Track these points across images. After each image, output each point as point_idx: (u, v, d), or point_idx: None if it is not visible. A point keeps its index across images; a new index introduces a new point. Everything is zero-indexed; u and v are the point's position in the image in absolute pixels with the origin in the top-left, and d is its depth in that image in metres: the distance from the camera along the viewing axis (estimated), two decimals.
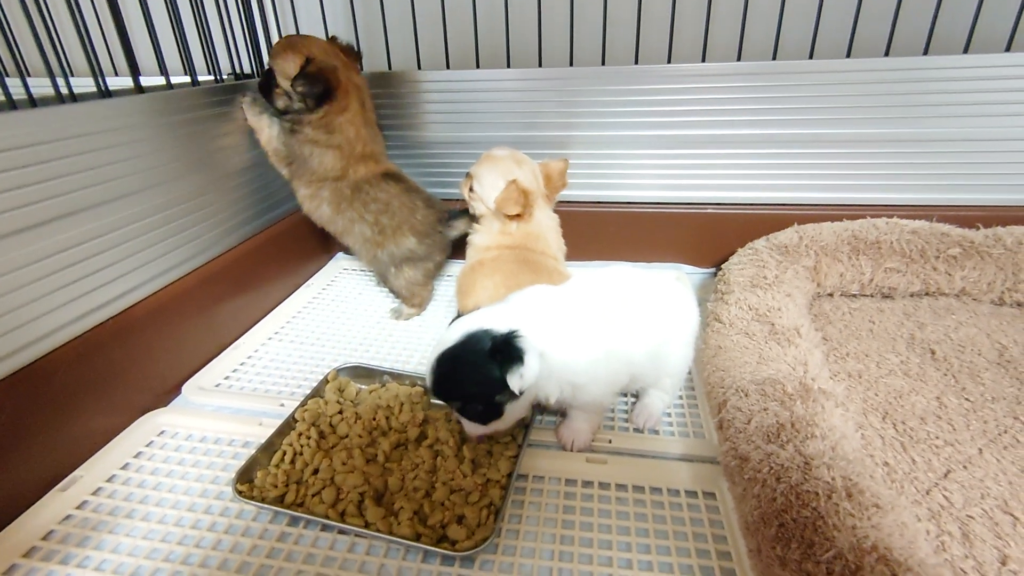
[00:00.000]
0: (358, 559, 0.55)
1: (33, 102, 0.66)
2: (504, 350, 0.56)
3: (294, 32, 1.18)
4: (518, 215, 0.86)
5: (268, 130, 0.97)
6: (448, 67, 1.15)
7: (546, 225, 0.92)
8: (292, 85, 0.86)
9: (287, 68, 0.87)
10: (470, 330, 0.59)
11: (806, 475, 0.51)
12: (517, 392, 0.56)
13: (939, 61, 0.96)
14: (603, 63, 1.11)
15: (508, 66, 1.13)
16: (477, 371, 0.57)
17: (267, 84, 0.91)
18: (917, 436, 0.67)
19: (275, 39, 1.13)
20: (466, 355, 0.58)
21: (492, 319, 0.59)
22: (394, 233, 0.95)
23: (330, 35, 0.95)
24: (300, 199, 0.99)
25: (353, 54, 0.95)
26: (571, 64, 1.12)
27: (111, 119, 0.73)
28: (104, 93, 0.75)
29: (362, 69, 0.98)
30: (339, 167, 0.94)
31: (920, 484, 0.60)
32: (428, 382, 0.60)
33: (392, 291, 0.98)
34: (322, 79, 0.87)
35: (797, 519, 0.47)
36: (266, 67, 0.92)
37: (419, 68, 1.17)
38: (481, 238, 0.91)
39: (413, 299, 0.99)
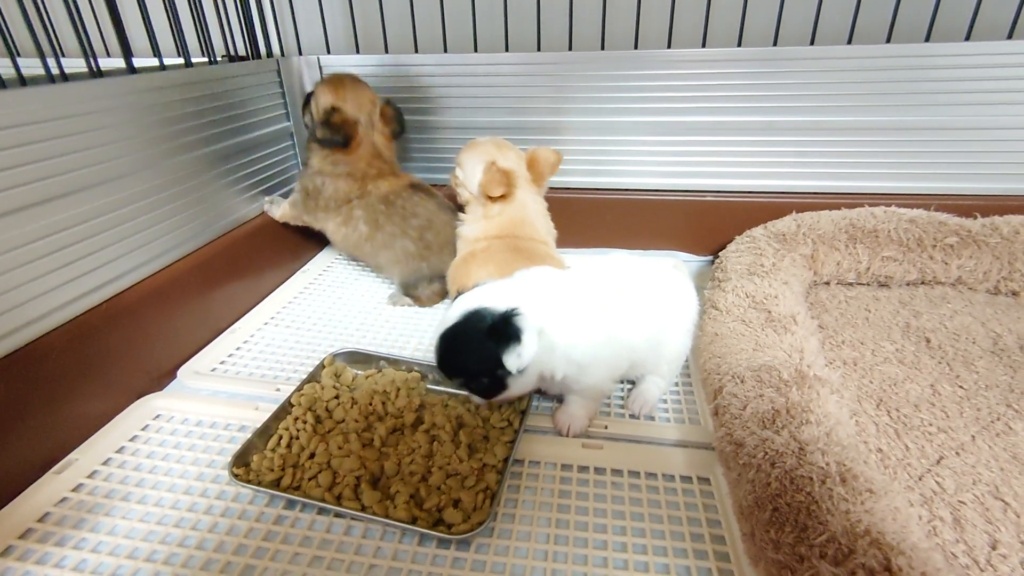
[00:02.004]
0: (354, 542, 0.56)
1: (22, 81, 0.65)
2: (502, 329, 0.57)
3: (289, 13, 1.17)
4: (502, 196, 0.86)
5: (285, 207, 1.04)
6: (445, 51, 1.14)
7: (533, 209, 0.91)
8: (316, 124, 0.93)
9: (321, 101, 0.93)
10: (471, 308, 0.60)
11: (801, 460, 0.51)
12: (514, 372, 0.57)
13: (941, 48, 0.95)
14: (602, 48, 1.10)
15: (506, 50, 1.12)
16: (477, 349, 0.58)
17: (307, 101, 0.98)
18: (911, 423, 0.67)
19: (270, 20, 1.12)
20: (467, 334, 0.59)
21: (494, 297, 0.60)
22: (440, 250, 0.96)
23: (387, 99, 0.99)
24: (333, 233, 1.00)
25: (393, 120, 0.99)
26: (570, 49, 1.10)
27: (102, 99, 0.72)
28: (95, 74, 0.74)
29: (402, 133, 1.02)
30: (356, 188, 0.96)
31: (913, 470, 0.60)
32: (435, 357, 0.62)
33: (411, 297, 0.98)
34: (341, 132, 0.92)
35: (791, 503, 0.48)
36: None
37: (416, 51, 1.15)
38: (470, 229, 0.90)
39: (427, 303, 0.99)
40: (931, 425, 0.67)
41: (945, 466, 0.61)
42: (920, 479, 0.59)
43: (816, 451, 0.51)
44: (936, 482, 0.59)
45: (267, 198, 1.05)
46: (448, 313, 0.62)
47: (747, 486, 0.52)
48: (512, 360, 0.56)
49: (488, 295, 0.61)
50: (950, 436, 0.65)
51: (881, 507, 0.47)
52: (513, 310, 0.58)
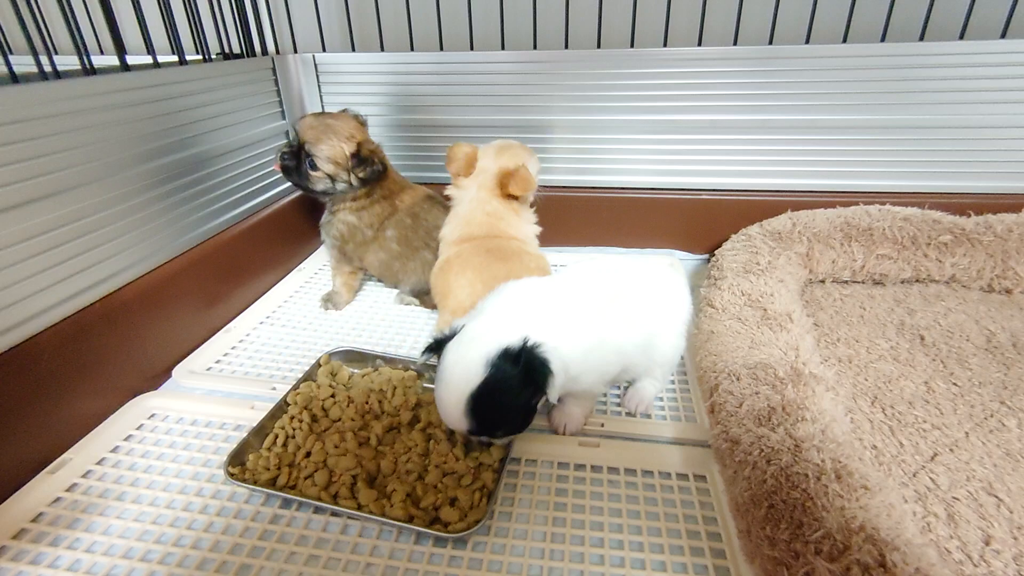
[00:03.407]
0: (351, 541, 0.56)
1: (14, 78, 0.64)
2: (537, 368, 0.54)
3: (284, 11, 1.16)
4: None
5: (338, 268, 0.99)
6: (441, 49, 1.14)
7: (500, 208, 0.87)
8: (353, 170, 0.89)
9: (335, 153, 0.87)
10: (489, 355, 0.54)
11: (796, 457, 0.51)
12: (555, 401, 0.56)
13: (935, 47, 0.96)
14: (598, 46, 1.10)
15: (502, 48, 1.12)
16: (516, 398, 0.56)
17: (300, 167, 0.89)
18: (905, 420, 0.67)
19: (265, 18, 1.11)
20: (501, 386, 0.54)
21: (499, 332, 0.56)
22: None
23: (342, 108, 0.95)
24: (371, 262, 0.97)
25: (361, 121, 0.95)
26: (566, 47, 1.10)
27: (95, 96, 0.71)
28: (88, 71, 0.73)
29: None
30: (388, 207, 0.95)
31: (907, 467, 0.61)
32: (461, 422, 0.56)
33: (419, 299, 0.98)
34: (377, 159, 0.90)
35: (787, 500, 0.48)
36: (293, 150, 0.89)
37: (412, 49, 1.15)
38: (448, 229, 0.88)
39: (430, 306, 0.98)
40: (925, 422, 0.67)
41: (939, 463, 0.61)
42: (914, 475, 0.60)
43: (811, 448, 0.52)
44: (930, 479, 0.59)
45: (321, 304, 1.00)
46: (457, 366, 0.55)
47: (743, 483, 0.52)
48: (554, 392, 0.54)
49: (490, 331, 0.57)
50: (944, 433, 0.65)
51: (876, 503, 0.47)
52: (535, 344, 0.55)
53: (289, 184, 1.13)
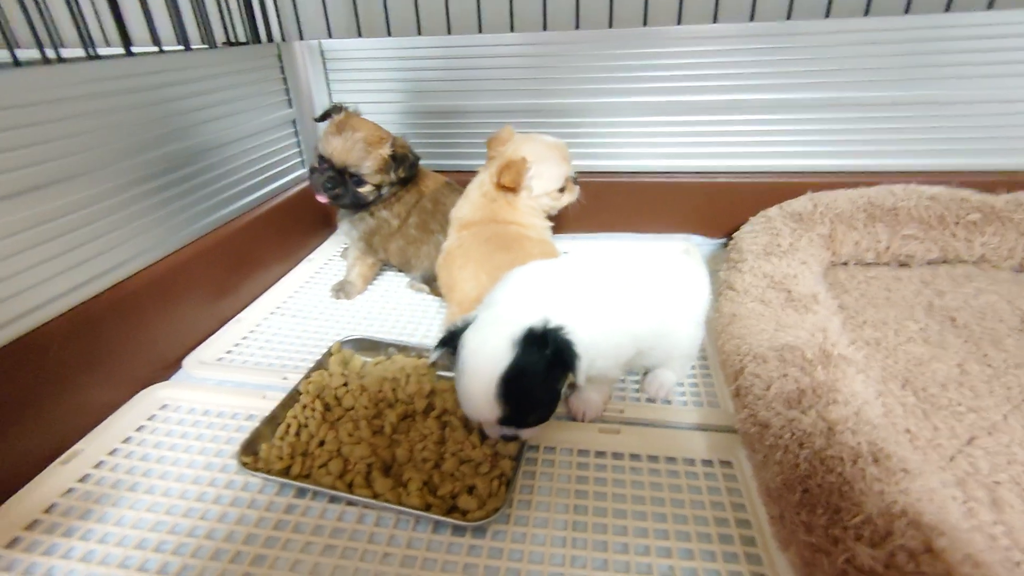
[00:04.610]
0: (367, 530, 0.54)
1: (17, 63, 0.63)
2: (564, 349, 0.52)
3: (290, 1, 1.14)
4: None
5: (356, 270, 0.98)
6: (449, 32, 1.11)
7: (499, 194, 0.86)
8: (396, 172, 0.88)
9: (377, 164, 0.87)
10: (514, 337, 0.52)
11: (830, 440, 0.49)
12: (582, 383, 0.53)
13: (962, 18, 0.92)
14: (610, 26, 1.07)
15: (511, 30, 1.09)
16: (546, 380, 0.53)
17: (347, 189, 0.87)
18: (939, 403, 0.65)
19: (269, 3, 1.09)
20: (531, 368, 0.52)
21: (518, 315, 0.54)
22: None
23: (331, 104, 0.91)
24: (392, 251, 0.96)
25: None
26: (577, 27, 1.07)
27: (100, 82, 0.70)
28: (92, 57, 0.72)
29: None
30: (415, 194, 0.94)
31: (944, 451, 0.58)
32: (491, 410, 0.52)
33: (429, 287, 0.96)
34: (411, 153, 0.89)
35: (822, 485, 0.46)
36: (333, 176, 0.86)
37: (419, 33, 1.13)
38: (455, 209, 0.88)
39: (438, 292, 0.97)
40: (960, 405, 0.64)
41: (977, 446, 0.58)
42: (952, 459, 0.57)
43: (846, 431, 0.49)
44: (969, 462, 0.57)
45: (331, 293, 0.98)
46: (480, 355, 0.53)
47: (774, 468, 0.50)
48: (582, 376, 0.52)
49: (510, 317, 0.54)
50: (980, 416, 0.63)
51: (917, 487, 0.44)
52: (557, 327, 0.53)
53: (297, 174, 1.11)
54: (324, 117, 0.90)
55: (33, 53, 0.66)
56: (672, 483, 0.59)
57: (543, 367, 0.52)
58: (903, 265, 0.97)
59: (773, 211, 0.98)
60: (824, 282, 0.87)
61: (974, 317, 0.80)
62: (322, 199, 0.89)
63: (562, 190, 0.88)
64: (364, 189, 0.88)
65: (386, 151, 0.87)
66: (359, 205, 0.90)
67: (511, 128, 0.89)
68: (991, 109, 0.96)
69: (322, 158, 0.87)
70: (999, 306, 0.82)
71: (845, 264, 0.98)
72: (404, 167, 0.89)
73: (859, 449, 0.47)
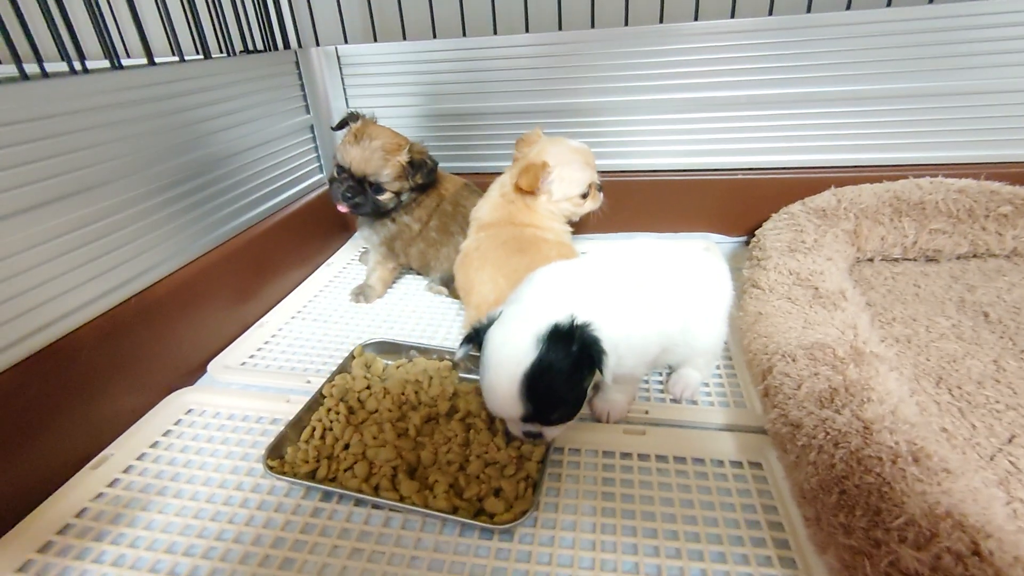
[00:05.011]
0: (394, 533, 0.54)
1: (45, 73, 0.64)
2: (591, 346, 0.51)
3: (305, 2, 1.15)
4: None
5: (376, 274, 0.98)
6: (464, 34, 1.12)
7: (517, 196, 0.86)
8: (412, 179, 0.88)
9: (396, 171, 0.87)
10: (540, 333, 0.51)
11: (867, 440, 0.48)
12: (610, 381, 0.53)
13: (987, 6, 0.90)
14: (626, 24, 1.06)
15: (527, 31, 1.09)
16: (572, 377, 0.52)
17: (367, 198, 0.88)
18: (975, 401, 0.63)
19: (286, 11, 1.10)
20: (557, 363, 0.51)
21: (544, 311, 0.53)
22: None
23: (348, 112, 0.91)
24: (412, 254, 0.97)
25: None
26: (592, 26, 1.07)
27: (123, 92, 0.71)
28: (116, 67, 0.73)
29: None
30: (435, 198, 0.95)
31: (983, 450, 0.56)
32: (515, 407, 0.52)
33: (448, 289, 0.97)
34: (429, 159, 0.89)
35: (860, 485, 0.44)
36: (352, 185, 0.87)
37: (434, 37, 1.13)
38: (475, 209, 0.89)
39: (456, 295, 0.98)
40: (998, 402, 0.62)
41: (1018, 445, 0.57)
42: (992, 459, 0.55)
43: (883, 430, 0.48)
44: (1009, 461, 0.55)
45: (351, 297, 0.98)
46: (504, 351, 0.52)
47: (808, 468, 0.49)
48: (609, 373, 0.51)
49: (535, 311, 0.54)
50: (1020, 413, 0.61)
51: (960, 488, 0.43)
52: (584, 324, 0.52)
53: (315, 179, 1.12)
54: (341, 125, 0.90)
55: (60, 66, 0.67)
56: (701, 485, 0.58)
57: (569, 364, 0.51)
58: (931, 260, 0.94)
59: (796, 207, 0.97)
60: (850, 279, 0.85)
61: (1008, 312, 0.78)
62: (343, 209, 0.89)
63: (585, 196, 0.87)
64: (384, 197, 0.88)
65: (404, 158, 0.87)
66: (379, 213, 0.91)
67: (540, 130, 0.89)
68: (1020, 99, 0.94)
69: (341, 168, 0.87)
70: None
71: (871, 260, 0.96)
72: (422, 173, 0.89)
73: (898, 448, 0.46)
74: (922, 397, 0.64)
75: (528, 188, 0.82)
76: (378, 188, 0.87)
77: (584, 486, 0.59)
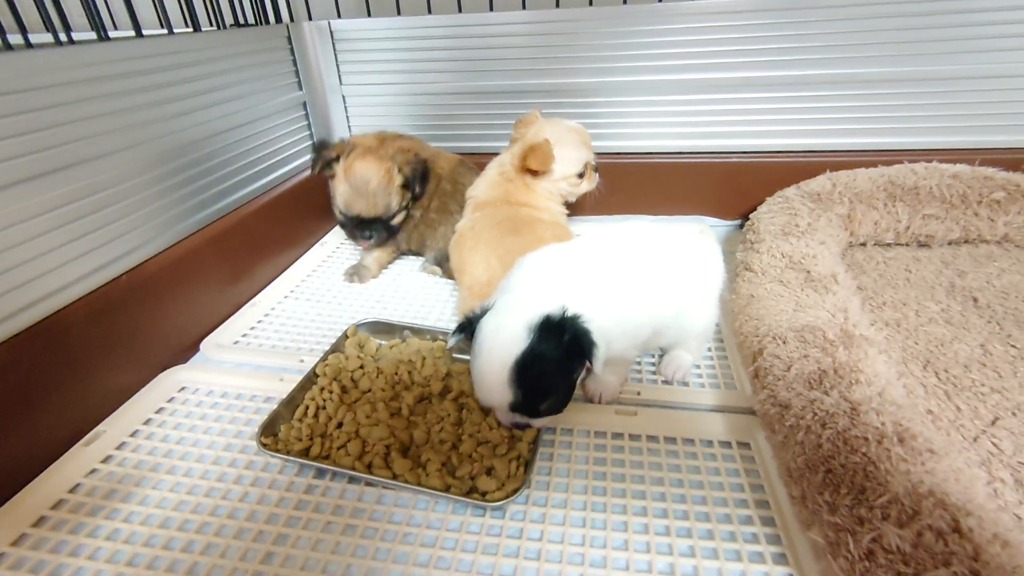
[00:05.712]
0: (386, 510, 0.55)
1: (28, 44, 0.62)
2: (582, 338, 0.52)
3: None
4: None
5: (381, 246, 0.98)
6: (460, 10, 1.10)
7: (516, 176, 0.86)
8: (413, 190, 0.91)
9: (399, 198, 0.90)
10: (531, 323, 0.51)
11: (853, 421, 0.48)
12: (599, 372, 0.53)
13: None
14: (624, 2, 1.04)
15: (523, 8, 1.07)
16: (561, 367, 0.53)
17: (382, 225, 0.91)
18: (961, 384, 0.64)
19: None
20: (546, 353, 0.51)
21: (536, 301, 0.54)
22: None
23: (313, 144, 0.92)
24: (413, 238, 0.99)
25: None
26: (590, 4, 1.05)
27: (110, 64, 0.69)
28: (102, 39, 0.71)
29: None
30: (433, 182, 0.96)
31: (967, 432, 0.58)
32: (503, 395, 0.52)
33: (441, 268, 0.97)
34: (417, 166, 0.90)
35: (846, 465, 0.45)
36: (373, 226, 0.91)
37: (429, 12, 1.11)
38: (471, 188, 0.89)
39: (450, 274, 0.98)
40: (983, 386, 0.63)
41: (1001, 427, 0.58)
42: (975, 440, 0.56)
43: (870, 411, 0.49)
44: (992, 443, 0.56)
45: (345, 277, 0.98)
46: (496, 342, 0.52)
47: (795, 448, 0.50)
48: (599, 364, 0.52)
49: (526, 300, 0.54)
50: (1004, 396, 0.62)
51: (943, 467, 0.44)
52: (575, 316, 0.52)
53: (308, 157, 1.11)
54: (320, 166, 0.89)
55: (45, 36, 0.66)
56: (690, 464, 0.59)
57: (559, 355, 0.52)
58: (923, 245, 0.95)
59: (791, 191, 0.97)
60: (842, 263, 0.86)
61: (997, 297, 0.78)
62: (364, 245, 0.94)
63: (581, 176, 0.87)
64: (396, 220, 0.92)
65: (399, 180, 0.89)
66: (397, 231, 0.94)
67: (537, 112, 0.89)
68: (1015, 84, 0.94)
69: (346, 215, 0.89)
70: (1023, 286, 0.80)
71: (863, 245, 0.96)
72: (419, 183, 0.91)
73: (883, 429, 0.47)
74: (909, 380, 0.65)
75: (539, 167, 0.81)
76: (390, 218, 0.90)
77: (576, 465, 0.59)
